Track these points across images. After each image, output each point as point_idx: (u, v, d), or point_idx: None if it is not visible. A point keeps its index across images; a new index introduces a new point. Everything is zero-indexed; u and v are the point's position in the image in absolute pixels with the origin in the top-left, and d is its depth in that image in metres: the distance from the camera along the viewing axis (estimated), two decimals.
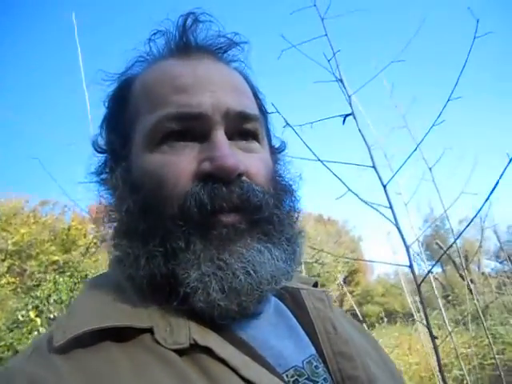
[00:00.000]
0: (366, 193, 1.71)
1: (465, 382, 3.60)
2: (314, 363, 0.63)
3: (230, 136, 0.63)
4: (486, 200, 1.42)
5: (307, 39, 2.00)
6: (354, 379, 0.62)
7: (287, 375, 0.59)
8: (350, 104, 1.81)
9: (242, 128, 0.66)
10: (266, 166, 0.68)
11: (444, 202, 3.25)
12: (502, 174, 1.33)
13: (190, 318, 0.58)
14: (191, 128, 0.62)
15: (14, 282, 11.30)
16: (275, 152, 0.79)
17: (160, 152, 0.62)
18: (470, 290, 3.72)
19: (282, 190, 0.69)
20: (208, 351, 0.54)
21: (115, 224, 0.68)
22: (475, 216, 1.67)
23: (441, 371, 1.51)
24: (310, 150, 1.46)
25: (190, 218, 0.58)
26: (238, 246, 0.58)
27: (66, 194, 2.66)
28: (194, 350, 0.54)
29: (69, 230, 13.11)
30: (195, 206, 0.58)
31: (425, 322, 1.56)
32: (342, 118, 1.83)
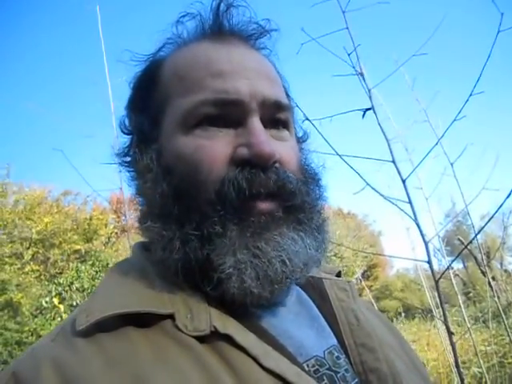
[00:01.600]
0: (385, 187, 1.71)
1: (484, 380, 3.56)
2: (336, 354, 0.63)
3: (264, 124, 0.63)
4: (508, 195, 1.40)
5: (327, 33, 1.99)
6: (377, 371, 0.62)
7: (308, 365, 0.59)
8: (370, 98, 1.79)
9: (276, 117, 0.66)
10: (296, 154, 0.69)
11: (465, 197, 3.20)
12: None
13: (211, 306, 0.58)
14: (227, 114, 0.62)
15: (37, 270, 11.60)
16: (300, 141, 0.79)
17: (194, 136, 0.62)
18: (492, 287, 3.65)
19: (310, 178, 0.69)
20: (228, 339, 0.54)
21: (144, 206, 0.68)
22: (496, 211, 1.64)
23: (457, 367, 1.50)
24: (329, 144, 1.45)
25: (227, 202, 0.58)
26: (274, 235, 0.59)
27: (89, 185, 2.71)
28: (215, 337, 0.54)
29: (90, 219, 13.37)
30: (233, 191, 0.58)
31: (442, 318, 1.55)
32: (362, 112, 1.82)
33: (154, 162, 0.65)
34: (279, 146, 0.64)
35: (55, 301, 6.10)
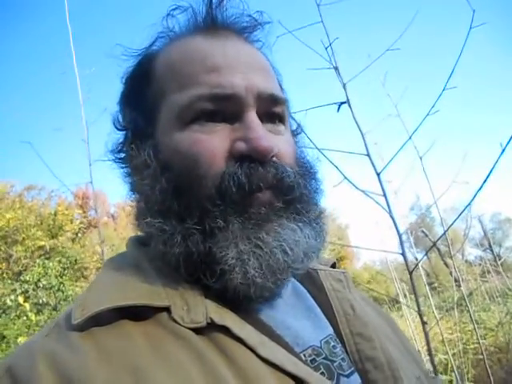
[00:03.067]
0: (356, 181, 1.73)
1: (449, 365, 3.70)
2: (332, 343, 0.64)
3: (260, 118, 0.64)
4: (478, 190, 1.44)
5: (302, 26, 1.99)
6: (373, 360, 0.62)
7: (305, 355, 0.59)
8: (346, 92, 1.81)
9: (272, 111, 0.66)
10: (292, 148, 0.69)
11: (433, 190, 3.29)
12: (494, 165, 1.35)
13: (207, 298, 0.58)
14: (223, 109, 0.62)
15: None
16: (294, 134, 0.79)
17: (191, 131, 0.62)
18: (456, 278, 3.79)
19: (306, 171, 0.69)
20: (225, 330, 0.54)
21: (141, 202, 0.67)
22: (466, 207, 1.70)
23: (430, 355, 1.55)
24: (309, 137, 1.46)
25: (227, 197, 0.59)
26: (274, 225, 0.59)
27: (58, 179, 2.62)
28: (211, 329, 0.55)
29: (55, 215, 12.98)
30: (233, 186, 0.58)
31: (416, 308, 1.59)
32: (337, 106, 1.83)
33: (151, 158, 0.65)
34: (276, 140, 0.64)
35: (20, 299, 5.91)
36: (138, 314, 0.55)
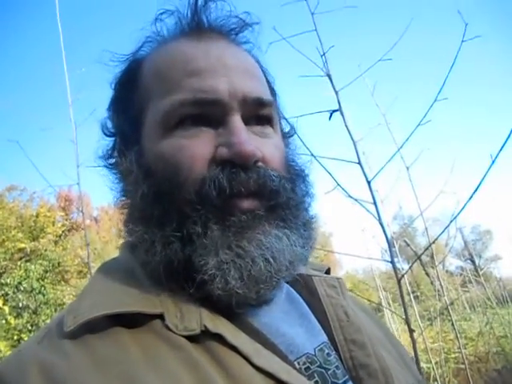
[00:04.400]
0: (345, 189, 1.74)
1: (432, 374, 3.73)
2: (326, 351, 0.63)
3: (246, 121, 0.63)
4: (468, 201, 1.47)
5: (296, 33, 2.00)
6: (367, 367, 0.61)
7: (299, 362, 0.59)
8: (338, 100, 1.82)
9: (258, 114, 0.65)
10: (280, 151, 0.67)
11: (418, 200, 3.34)
12: (484, 176, 1.37)
13: (201, 305, 0.57)
14: (207, 113, 0.61)
15: None
16: (285, 136, 0.78)
17: (174, 136, 0.61)
18: (440, 287, 3.83)
19: (295, 175, 0.68)
20: (219, 338, 0.54)
21: (127, 209, 0.67)
22: (454, 218, 1.72)
23: (417, 363, 1.56)
24: (304, 144, 1.46)
25: (207, 202, 0.57)
26: (256, 233, 0.58)
27: (45, 179, 2.58)
28: (205, 336, 0.54)
29: (37, 216, 12.74)
30: (214, 190, 0.57)
31: (404, 315, 1.60)
32: (329, 114, 1.85)
33: (134, 164, 0.64)
34: (262, 144, 0.63)
35: None
36: (131, 321, 0.54)
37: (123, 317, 0.54)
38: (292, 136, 0.81)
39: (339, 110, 1.82)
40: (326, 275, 0.78)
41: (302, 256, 0.63)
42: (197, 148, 0.60)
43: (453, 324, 3.17)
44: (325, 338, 0.65)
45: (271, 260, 0.57)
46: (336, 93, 1.85)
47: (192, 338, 0.53)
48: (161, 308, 0.56)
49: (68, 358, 0.50)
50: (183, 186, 0.58)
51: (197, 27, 0.68)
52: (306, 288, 0.73)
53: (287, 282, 0.71)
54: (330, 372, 0.60)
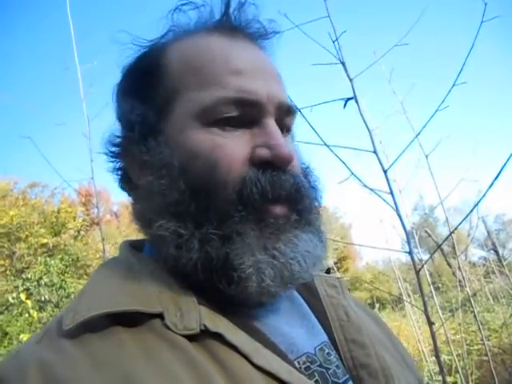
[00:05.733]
0: (362, 178, 1.70)
1: (454, 366, 3.67)
2: (327, 350, 0.63)
3: None
4: (488, 189, 1.41)
5: (308, 21, 1.96)
6: (367, 367, 0.62)
7: (299, 362, 0.59)
8: (353, 87, 1.77)
9: (285, 121, 0.67)
10: (298, 158, 0.69)
11: (438, 189, 3.26)
12: (505, 163, 1.31)
13: (200, 304, 0.57)
14: (245, 113, 0.62)
15: (3, 265, 11.23)
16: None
17: (211, 133, 0.61)
18: (460, 279, 3.76)
19: (310, 180, 0.69)
20: (219, 337, 0.53)
21: (146, 203, 0.64)
22: (474, 207, 1.66)
23: (437, 356, 1.52)
24: (318, 134, 1.43)
25: (249, 203, 0.58)
26: (291, 236, 0.59)
27: (59, 175, 2.60)
28: (205, 335, 0.54)
29: (58, 212, 13.02)
30: (256, 193, 0.58)
31: (423, 308, 1.56)
32: (343, 102, 1.80)
33: (164, 156, 0.62)
34: None
35: (22, 296, 5.92)
36: (130, 320, 0.54)
37: (122, 316, 0.53)
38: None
39: (354, 97, 1.77)
40: (326, 275, 0.79)
41: (322, 258, 0.64)
42: (235, 147, 0.60)
43: (475, 315, 3.10)
44: (325, 337, 0.65)
45: (302, 262, 0.59)
46: (350, 80, 1.80)
47: (191, 338, 0.53)
48: (160, 307, 0.55)
49: (67, 357, 0.50)
50: (223, 186, 0.59)
51: (229, 26, 0.69)
52: (306, 288, 0.74)
53: None
54: (330, 371, 0.60)
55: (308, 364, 0.59)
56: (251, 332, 0.57)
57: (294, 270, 0.58)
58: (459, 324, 4.72)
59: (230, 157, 0.59)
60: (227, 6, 0.69)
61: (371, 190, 1.55)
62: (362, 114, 1.77)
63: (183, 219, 0.59)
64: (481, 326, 3.49)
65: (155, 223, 0.61)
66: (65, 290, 6.86)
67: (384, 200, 1.58)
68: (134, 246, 0.71)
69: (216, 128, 0.61)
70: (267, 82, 0.64)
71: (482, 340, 3.31)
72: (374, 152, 1.71)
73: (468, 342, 5.24)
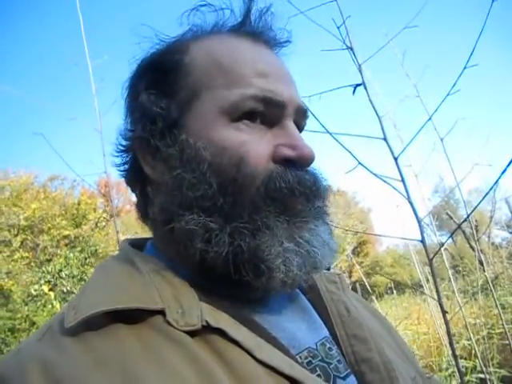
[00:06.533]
0: (375, 165, 1.67)
1: (473, 351, 3.63)
2: (328, 345, 0.64)
3: None
4: (503, 172, 1.37)
5: (315, 5, 1.91)
6: (369, 361, 0.62)
7: (301, 357, 0.59)
8: (361, 73, 1.73)
9: (300, 124, 0.72)
10: None
11: (455, 173, 3.19)
12: None
13: (201, 301, 0.58)
14: (268, 113, 0.65)
15: (27, 257, 11.53)
16: None
17: (237, 129, 0.63)
18: (481, 262, 3.70)
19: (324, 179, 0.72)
20: (220, 333, 0.54)
21: (169, 196, 0.64)
22: (490, 189, 1.62)
23: (451, 344, 1.50)
24: (320, 122, 1.41)
25: (277, 197, 0.61)
26: (312, 226, 0.62)
27: (72, 170, 2.63)
28: (206, 331, 0.54)
29: (79, 204, 13.25)
30: (285, 188, 0.61)
31: (436, 296, 1.54)
32: (352, 89, 1.76)
33: (192, 151, 0.63)
34: None
35: (45, 288, 6.08)
36: (131, 317, 0.54)
37: (124, 313, 0.54)
38: None
39: (363, 84, 1.73)
40: (326, 271, 0.79)
41: (335, 251, 0.66)
42: (260, 144, 0.63)
43: (494, 299, 3.05)
44: (326, 332, 0.66)
45: (323, 251, 0.62)
46: (359, 66, 1.76)
47: (193, 334, 0.54)
48: (162, 304, 0.56)
49: (68, 356, 0.50)
50: (251, 180, 0.60)
51: (251, 30, 0.72)
52: (306, 284, 0.71)
53: None
54: (331, 366, 0.61)
55: (310, 359, 0.60)
56: (253, 327, 0.57)
57: (317, 257, 0.60)
58: (480, 308, 4.65)
59: (257, 153, 0.62)
60: (249, 10, 0.72)
61: (380, 177, 1.52)
62: (371, 101, 1.73)
63: (212, 213, 0.60)
64: (501, 310, 3.44)
65: (182, 217, 0.61)
66: (85, 281, 6.99)
67: (394, 188, 1.55)
68: (134, 245, 0.72)
69: (242, 124, 0.63)
70: (289, 86, 0.68)
71: (503, 324, 3.25)
72: (384, 139, 1.67)
73: (490, 325, 5.16)
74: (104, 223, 13.25)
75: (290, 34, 0.77)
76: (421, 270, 4.55)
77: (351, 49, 1.81)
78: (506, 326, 3.28)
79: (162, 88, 0.68)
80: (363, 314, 0.74)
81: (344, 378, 0.61)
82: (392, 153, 1.64)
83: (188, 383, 0.48)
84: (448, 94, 1.55)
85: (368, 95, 1.73)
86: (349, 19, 1.73)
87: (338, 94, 1.78)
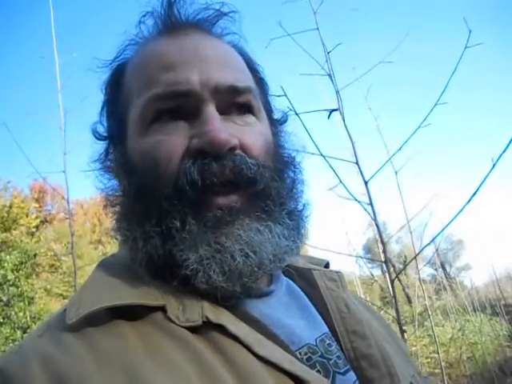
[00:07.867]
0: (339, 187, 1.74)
1: None
2: (327, 341, 0.63)
3: (224, 111, 0.62)
4: (463, 208, 1.49)
5: (298, 31, 2.00)
6: (368, 357, 0.63)
7: (300, 353, 0.59)
8: (338, 99, 1.83)
9: (234, 102, 0.64)
10: (263, 138, 0.66)
11: (405, 208, 3.39)
12: (483, 181, 1.39)
13: (202, 297, 0.57)
14: (181, 106, 0.61)
15: None
16: (275, 124, 0.76)
17: (152, 132, 0.61)
18: (407, 296, 3.91)
19: (282, 162, 0.68)
20: (221, 329, 0.54)
21: (117, 208, 0.67)
22: (448, 224, 1.71)
23: None
24: (314, 143, 1.46)
25: (183, 196, 0.57)
26: (235, 228, 0.57)
27: (32, 166, 2.50)
28: (207, 327, 0.54)
29: (10, 207, 12.39)
30: (187, 184, 0.57)
31: (396, 316, 1.61)
32: (328, 113, 1.85)
33: (116, 163, 0.67)
34: (242, 132, 0.62)
35: None
36: (132, 313, 0.54)
37: (125, 310, 0.54)
38: (283, 123, 0.79)
39: (339, 109, 1.83)
40: (325, 269, 0.79)
41: (287, 248, 0.62)
42: (172, 142, 0.59)
43: (432, 327, 3.23)
44: (326, 329, 0.66)
45: (251, 254, 0.57)
46: (337, 93, 1.86)
47: (194, 330, 0.53)
48: (162, 300, 0.56)
49: (70, 351, 0.50)
50: (161, 182, 0.58)
51: (171, 23, 0.68)
52: (305, 281, 0.74)
53: (287, 276, 0.73)
54: (331, 362, 0.61)
55: (309, 355, 0.60)
56: (253, 324, 0.57)
57: (241, 262, 0.56)
58: (415, 336, 4.88)
59: (169, 152, 0.59)
60: (167, 5, 0.68)
61: (356, 199, 1.59)
62: (345, 126, 1.82)
63: (130, 220, 0.61)
64: (434, 339, 3.63)
65: (115, 226, 0.65)
66: (18, 287, 6.45)
67: (365, 210, 1.63)
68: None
69: (156, 125, 0.61)
70: (203, 68, 0.62)
71: (436, 352, 3.44)
72: (356, 163, 1.76)
73: (420, 354, 5.41)
74: (41, 229, 12.49)
75: (225, 7, 0.72)
76: (363, 297, 4.71)
77: (330, 76, 1.91)
78: (433, 355, 3.46)
79: (108, 109, 0.73)
80: (363, 312, 0.74)
81: (343, 374, 0.60)
82: (363, 176, 1.73)
83: (189, 378, 0.48)
84: (419, 127, 1.67)
85: (344, 120, 1.82)
86: (327, 47, 1.82)
87: (311, 117, 1.85)
